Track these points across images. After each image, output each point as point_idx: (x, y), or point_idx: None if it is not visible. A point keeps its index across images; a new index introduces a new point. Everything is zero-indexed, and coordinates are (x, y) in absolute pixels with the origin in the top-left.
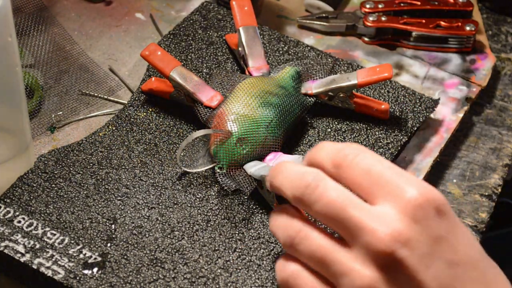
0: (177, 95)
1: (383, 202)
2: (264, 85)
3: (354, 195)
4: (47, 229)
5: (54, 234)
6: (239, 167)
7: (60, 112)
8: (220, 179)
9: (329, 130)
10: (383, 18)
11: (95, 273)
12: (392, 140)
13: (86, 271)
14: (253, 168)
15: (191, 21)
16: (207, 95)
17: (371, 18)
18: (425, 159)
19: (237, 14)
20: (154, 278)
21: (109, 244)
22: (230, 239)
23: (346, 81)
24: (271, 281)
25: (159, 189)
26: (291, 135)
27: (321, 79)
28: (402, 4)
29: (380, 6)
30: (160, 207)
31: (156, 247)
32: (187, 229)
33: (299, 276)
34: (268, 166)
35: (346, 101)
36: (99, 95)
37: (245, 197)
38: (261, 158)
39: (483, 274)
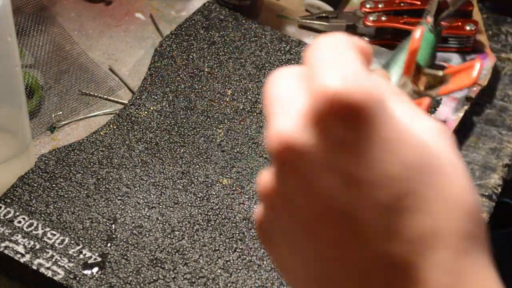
0: None
1: (305, 90)
2: None
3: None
4: (47, 229)
5: (54, 235)
6: None
7: (60, 112)
8: None
9: None
10: (383, 18)
11: (95, 273)
12: None
13: (86, 272)
14: None
15: (193, 21)
16: None
17: (371, 18)
18: None
19: None
20: (154, 278)
21: (109, 244)
22: (230, 239)
23: None
24: (271, 281)
25: (159, 189)
26: None
27: None
28: (402, 4)
29: (380, 5)
30: (160, 206)
31: (156, 247)
32: (187, 229)
33: None
34: None
35: None
36: (99, 95)
37: (246, 197)
38: None
39: (393, 196)
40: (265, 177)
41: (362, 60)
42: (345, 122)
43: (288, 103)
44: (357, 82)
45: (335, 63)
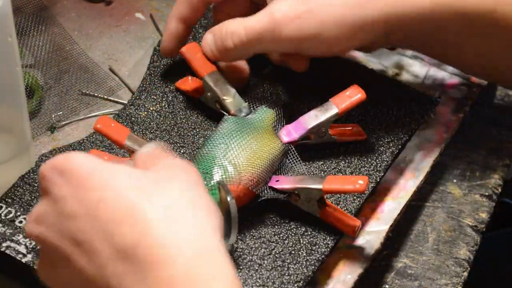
0: (207, 98)
1: None
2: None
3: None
4: None
5: None
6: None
7: (60, 112)
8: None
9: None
10: None
11: None
12: (392, 139)
13: None
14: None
15: None
16: (236, 105)
17: None
18: (425, 159)
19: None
20: None
21: None
22: None
23: (326, 114)
24: (272, 281)
25: None
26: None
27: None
28: None
29: None
30: None
31: None
32: None
33: None
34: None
35: (326, 135)
36: (99, 95)
37: None
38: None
39: (92, 226)
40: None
41: None
42: (62, 177)
43: None
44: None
45: None
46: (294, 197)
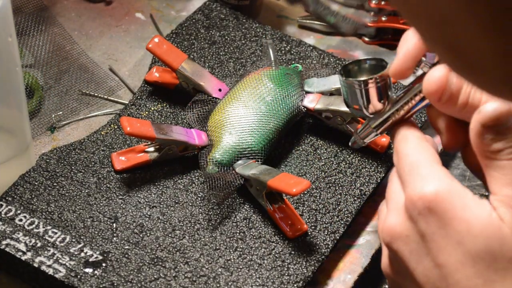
0: (185, 86)
1: (403, 190)
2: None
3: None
4: (49, 227)
5: (56, 233)
6: (229, 166)
7: (60, 112)
8: (207, 180)
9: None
10: (383, 18)
11: (96, 271)
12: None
13: (87, 270)
14: (242, 166)
15: (194, 21)
16: (214, 87)
17: (373, 1)
18: None
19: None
20: (155, 277)
21: (110, 243)
22: (231, 238)
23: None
24: (272, 280)
25: (160, 188)
26: (284, 144)
27: (326, 97)
28: None
29: (383, 2)
30: (161, 206)
31: (157, 246)
32: (188, 228)
33: None
34: (257, 164)
35: (343, 125)
36: (99, 95)
37: (247, 197)
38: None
39: (468, 280)
40: (384, 258)
41: (435, 158)
42: (426, 218)
43: (395, 202)
44: (433, 189)
45: (413, 175)
46: (249, 183)
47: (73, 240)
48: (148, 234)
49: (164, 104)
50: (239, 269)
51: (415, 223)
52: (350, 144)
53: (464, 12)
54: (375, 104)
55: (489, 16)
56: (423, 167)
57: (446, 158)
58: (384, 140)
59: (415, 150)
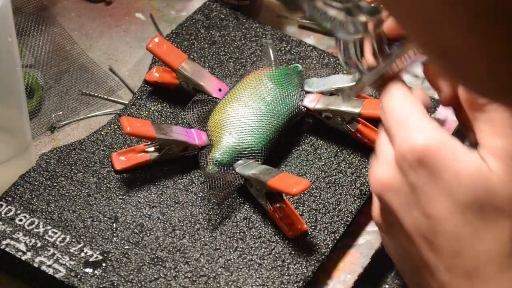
0: (185, 86)
1: (391, 144)
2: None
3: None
4: (49, 227)
5: (56, 233)
6: (229, 166)
7: (60, 112)
8: (207, 180)
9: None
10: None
11: (96, 271)
12: None
13: (87, 270)
14: (242, 166)
15: (194, 21)
16: (214, 87)
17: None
18: None
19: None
20: (155, 276)
21: (110, 243)
22: (231, 238)
23: (348, 107)
24: (272, 280)
25: (160, 188)
26: (284, 144)
27: (326, 96)
28: None
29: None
30: (161, 206)
31: (157, 246)
32: (188, 228)
33: None
34: (257, 164)
35: (343, 125)
36: (99, 95)
37: (247, 197)
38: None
39: (457, 229)
40: (375, 209)
41: (423, 111)
42: (416, 170)
43: (384, 153)
44: (422, 141)
45: (403, 127)
46: (249, 183)
47: (73, 240)
48: (148, 234)
49: (164, 104)
50: (239, 269)
51: (406, 175)
52: (342, 96)
53: (448, 14)
54: (368, 58)
55: (468, 17)
56: (411, 119)
57: None
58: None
59: (401, 103)
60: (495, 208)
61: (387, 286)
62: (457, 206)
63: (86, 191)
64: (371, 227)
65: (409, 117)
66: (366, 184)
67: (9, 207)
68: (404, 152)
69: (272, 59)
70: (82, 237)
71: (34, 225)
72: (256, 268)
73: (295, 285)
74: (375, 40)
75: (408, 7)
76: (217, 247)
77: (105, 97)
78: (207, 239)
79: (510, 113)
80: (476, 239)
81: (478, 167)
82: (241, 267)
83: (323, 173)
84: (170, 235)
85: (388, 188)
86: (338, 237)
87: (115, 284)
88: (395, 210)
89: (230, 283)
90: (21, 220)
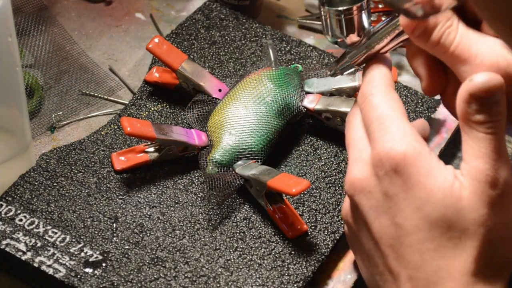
0: (185, 86)
1: (368, 141)
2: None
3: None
4: (49, 227)
5: (56, 233)
6: (229, 166)
7: (60, 112)
8: (207, 180)
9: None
10: (383, 18)
11: (96, 271)
12: None
13: (87, 270)
14: (242, 166)
15: (194, 21)
16: (214, 87)
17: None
18: None
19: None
20: (155, 276)
21: (110, 243)
22: (231, 238)
23: (348, 108)
24: (272, 280)
25: (160, 188)
26: (284, 144)
27: (326, 97)
28: None
29: (380, 6)
30: (161, 206)
31: (157, 246)
32: (188, 228)
33: None
34: (257, 164)
35: (343, 125)
36: (99, 95)
37: (247, 197)
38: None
39: (421, 243)
40: (345, 205)
41: (403, 114)
42: (391, 178)
43: (360, 152)
44: (398, 145)
45: (383, 131)
46: (249, 183)
47: (73, 240)
48: (148, 234)
49: (164, 104)
50: (239, 269)
51: (380, 181)
52: (329, 72)
53: None
54: (351, 35)
55: None
56: (392, 123)
57: (445, 158)
58: None
59: (383, 100)
60: (461, 229)
61: None
62: (425, 221)
63: (86, 191)
64: None
65: (390, 120)
66: None
67: (9, 207)
68: (381, 157)
69: (272, 59)
70: (82, 237)
71: (34, 225)
72: (256, 268)
73: (295, 285)
74: (357, 17)
75: None
76: (217, 247)
77: (105, 97)
78: (207, 239)
79: (502, 141)
80: (439, 255)
81: (450, 186)
82: (241, 267)
83: (323, 173)
84: (170, 235)
85: (361, 190)
86: (338, 237)
87: (115, 284)
88: (365, 213)
89: (230, 283)
90: (21, 220)
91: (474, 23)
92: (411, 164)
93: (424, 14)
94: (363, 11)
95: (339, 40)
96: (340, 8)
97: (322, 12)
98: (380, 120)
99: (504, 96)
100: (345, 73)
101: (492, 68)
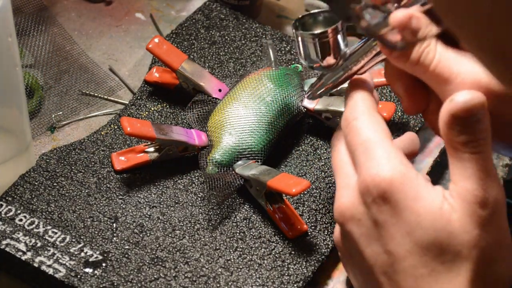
0: (185, 86)
1: (354, 166)
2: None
3: (347, 160)
4: (49, 227)
5: (56, 233)
6: (229, 166)
7: (60, 112)
8: (207, 180)
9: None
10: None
11: (96, 271)
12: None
13: (87, 270)
14: (242, 166)
15: (194, 21)
16: (214, 87)
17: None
18: (425, 159)
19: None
20: (155, 276)
21: (110, 243)
22: (231, 238)
23: (339, 106)
24: (272, 280)
25: (160, 188)
26: (284, 144)
27: (326, 97)
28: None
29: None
30: (161, 206)
31: (157, 246)
32: (188, 228)
33: None
34: (257, 164)
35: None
36: (99, 95)
37: (247, 197)
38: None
39: (415, 268)
40: (336, 232)
41: (388, 137)
42: (379, 205)
43: (347, 178)
44: (387, 175)
45: (369, 157)
46: (248, 183)
47: (73, 240)
48: (148, 234)
49: (164, 104)
50: (239, 269)
51: (369, 209)
52: (305, 96)
53: (508, 12)
54: (327, 58)
55: None
56: (377, 147)
57: (445, 158)
58: None
59: (366, 124)
60: (454, 252)
61: None
62: (416, 246)
63: (86, 191)
64: None
65: (375, 144)
66: None
67: (9, 207)
68: (367, 183)
69: (272, 59)
70: (82, 237)
71: (34, 225)
72: (256, 268)
73: (295, 285)
74: (333, 40)
75: (463, 10)
76: (217, 247)
77: (105, 97)
78: (207, 239)
79: (488, 159)
80: (434, 280)
81: (440, 209)
82: (241, 267)
83: (323, 173)
84: (170, 235)
85: (350, 218)
86: None
87: (115, 284)
88: (356, 240)
89: (230, 283)
90: (21, 220)
91: (452, 41)
92: (398, 189)
93: (403, 46)
94: (338, 33)
95: (315, 65)
96: (315, 32)
97: (296, 37)
98: (364, 145)
99: (487, 113)
100: (323, 96)
101: (473, 86)
